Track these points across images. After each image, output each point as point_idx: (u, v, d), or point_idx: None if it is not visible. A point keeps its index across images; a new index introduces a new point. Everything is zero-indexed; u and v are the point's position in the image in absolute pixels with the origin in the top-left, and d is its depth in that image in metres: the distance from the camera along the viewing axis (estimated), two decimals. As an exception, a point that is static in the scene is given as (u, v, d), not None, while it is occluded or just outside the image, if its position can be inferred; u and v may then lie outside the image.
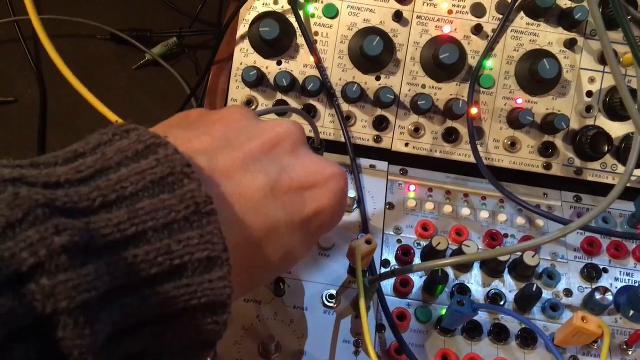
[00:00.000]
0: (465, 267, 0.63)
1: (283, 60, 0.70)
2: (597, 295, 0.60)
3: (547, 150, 0.69)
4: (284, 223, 0.36)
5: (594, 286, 0.62)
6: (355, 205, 0.66)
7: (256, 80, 0.68)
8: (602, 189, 0.70)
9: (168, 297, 0.27)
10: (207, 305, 0.29)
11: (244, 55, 0.70)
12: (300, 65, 0.70)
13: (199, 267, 0.28)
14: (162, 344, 0.29)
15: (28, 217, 0.23)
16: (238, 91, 0.71)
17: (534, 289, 0.58)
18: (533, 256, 0.60)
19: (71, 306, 0.23)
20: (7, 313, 0.22)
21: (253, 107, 0.70)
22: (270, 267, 0.37)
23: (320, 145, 0.64)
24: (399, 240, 0.64)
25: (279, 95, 0.70)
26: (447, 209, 0.67)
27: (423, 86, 0.70)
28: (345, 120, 0.70)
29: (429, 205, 0.67)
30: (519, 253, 0.61)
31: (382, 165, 0.70)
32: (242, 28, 0.70)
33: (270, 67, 0.70)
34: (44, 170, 0.27)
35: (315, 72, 0.70)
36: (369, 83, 0.70)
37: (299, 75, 0.70)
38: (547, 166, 0.70)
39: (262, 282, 0.44)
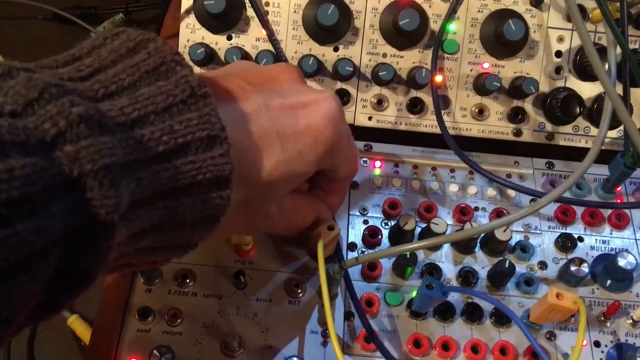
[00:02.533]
0: (435, 247, 0.60)
1: (233, 35, 0.65)
2: (573, 267, 0.57)
3: (516, 116, 0.66)
4: (276, 133, 0.39)
5: (569, 257, 0.60)
6: (318, 187, 0.63)
7: (205, 58, 0.63)
8: (576, 153, 0.68)
9: (177, 173, 0.31)
10: (211, 180, 0.32)
11: (191, 32, 0.65)
12: (253, 40, 0.65)
13: (201, 145, 0.32)
14: (175, 217, 0.32)
15: (44, 94, 0.26)
16: (187, 71, 0.66)
17: (506, 265, 0.56)
18: (504, 231, 0.58)
19: (95, 168, 0.26)
20: (40, 170, 0.24)
21: (204, 87, 0.66)
22: (269, 182, 0.40)
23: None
24: (365, 222, 0.61)
25: (231, 73, 0.66)
26: (415, 184, 0.64)
27: (384, 55, 0.66)
28: (304, 96, 0.66)
29: (396, 182, 0.64)
30: (484, 221, 0.58)
31: (345, 141, 0.66)
32: (187, 1, 0.65)
33: (220, 43, 0.65)
34: (47, 71, 0.30)
35: (268, 46, 0.65)
36: (327, 55, 0.66)
37: (251, 51, 0.65)
38: (518, 133, 0.67)
39: (264, 203, 0.42)
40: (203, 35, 0.65)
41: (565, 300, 0.49)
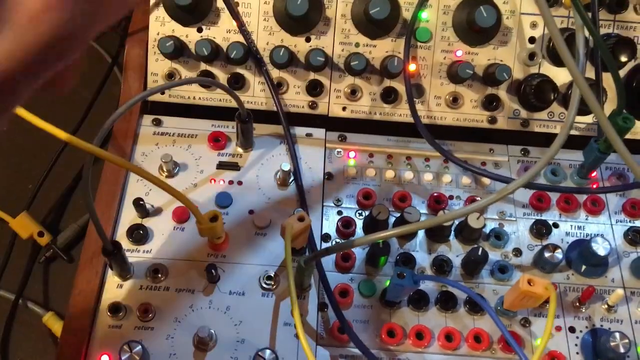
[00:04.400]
0: (409, 236, 0.60)
1: (204, 27, 0.65)
2: (547, 254, 0.57)
3: (491, 103, 0.66)
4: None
5: (544, 243, 0.60)
6: (291, 179, 0.62)
7: (175, 51, 0.63)
8: (553, 140, 0.67)
9: None
10: None
11: (161, 24, 0.65)
12: (223, 32, 0.65)
13: None
14: None
15: None
16: (158, 64, 0.65)
17: (479, 252, 0.55)
18: (478, 218, 0.57)
19: None
20: None
21: (176, 78, 0.65)
22: None
23: (247, 119, 0.59)
24: (339, 212, 0.61)
25: (203, 66, 0.65)
26: (390, 174, 0.63)
27: (357, 45, 0.65)
28: (277, 87, 0.66)
29: (370, 172, 0.64)
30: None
31: (319, 133, 0.66)
32: (156, -6, 0.64)
33: (190, 36, 0.65)
34: None
35: (240, 37, 0.65)
36: (299, 46, 0.65)
37: (222, 43, 0.65)
38: (492, 120, 0.67)
39: None
40: (173, 28, 0.65)
41: (536, 286, 0.49)
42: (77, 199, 0.72)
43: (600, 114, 0.47)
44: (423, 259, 0.59)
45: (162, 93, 0.66)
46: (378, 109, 0.67)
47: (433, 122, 0.67)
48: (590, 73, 0.62)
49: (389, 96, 0.66)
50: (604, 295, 0.58)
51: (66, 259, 0.67)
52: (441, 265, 0.58)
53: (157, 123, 0.65)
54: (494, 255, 0.59)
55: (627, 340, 0.52)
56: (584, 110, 0.65)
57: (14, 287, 0.65)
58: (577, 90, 0.50)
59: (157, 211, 0.60)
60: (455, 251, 0.59)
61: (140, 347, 0.50)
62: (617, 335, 0.53)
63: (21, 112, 0.47)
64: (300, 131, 0.66)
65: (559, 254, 0.57)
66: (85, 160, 0.45)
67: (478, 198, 0.62)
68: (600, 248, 0.56)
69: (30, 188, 0.69)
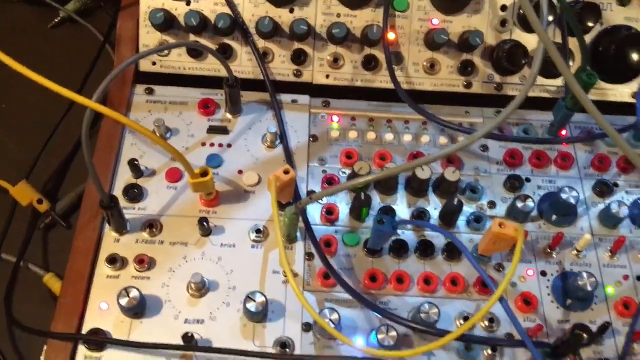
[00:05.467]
0: (389, 190, 0.63)
1: (192, 0, 0.68)
2: (519, 204, 0.61)
3: (466, 68, 0.70)
4: None
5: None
6: (278, 141, 0.66)
7: (164, 22, 0.66)
8: (526, 102, 0.71)
9: None
10: None
11: (152, -1, 0.68)
12: (211, 4, 0.68)
13: None
14: None
15: None
16: (149, 36, 0.69)
17: (455, 202, 0.59)
18: (453, 172, 0.61)
19: None
20: None
21: (166, 52, 0.69)
22: None
23: (234, 83, 0.63)
24: (324, 171, 0.64)
25: (192, 37, 0.69)
26: (371, 135, 0.67)
27: (338, 15, 0.69)
28: (263, 56, 0.69)
29: (353, 134, 0.67)
30: (440, 170, 0.62)
31: (304, 99, 0.69)
32: (147, -30, 0.68)
33: (179, 8, 0.68)
34: None
35: (226, 9, 0.68)
36: (283, 16, 0.69)
37: (210, 14, 0.68)
38: (468, 85, 0.70)
39: None
40: (163, 1, 0.68)
41: (507, 228, 0.53)
42: (75, 168, 0.74)
43: (562, 66, 0.50)
44: (403, 212, 0.62)
45: (154, 64, 0.69)
46: (360, 76, 0.70)
47: (412, 87, 0.70)
48: (559, 39, 0.67)
49: (369, 63, 0.70)
50: (574, 242, 0.61)
51: (65, 225, 0.70)
52: (419, 217, 0.61)
53: (150, 92, 0.68)
54: (470, 208, 0.63)
55: (593, 279, 0.56)
56: (552, 72, 0.69)
57: (14, 252, 0.68)
58: (541, 45, 0.54)
59: (151, 173, 0.63)
60: (433, 204, 0.63)
61: (137, 291, 0.53)
62: (585, 274, 0.56)
63: (26, 71, 0.49)
64: (286, 98, 0.69)
65: (530, 203, 0.61)
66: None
67: (454, 155, 0.65)
68: (569, 197, 0.60)
69: (30, 157, 0.72)
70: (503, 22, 0.69)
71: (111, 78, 0.51)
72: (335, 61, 0.70)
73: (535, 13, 0.48)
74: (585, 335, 0.48)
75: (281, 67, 0.70)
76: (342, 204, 0.62)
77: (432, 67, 0.70)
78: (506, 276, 0.48)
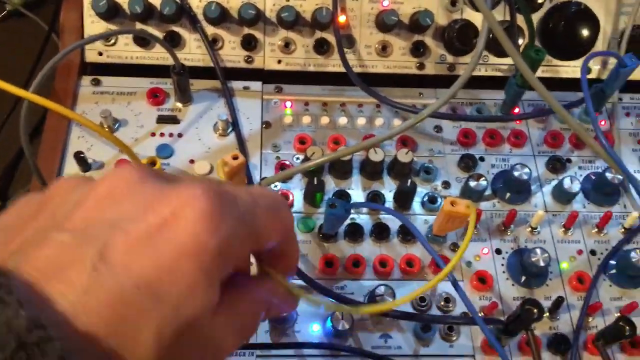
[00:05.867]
0: (344, 174, 0.63)
1: (137, -12, 0.67)
2: (472, 183, 0.61)
3: (418, 50, 0.69)
4: (136, 289, 0.26)
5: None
6: (230, 129, 0.65)
7: (108, 11, 0.64)
8: (478, 82, 0.71)
9: None
10: None
11: (95, -13, 0.66)
12: (157, -9, 0.67)
13: None
14: None
15: None
16: (94, 26, 0.67)
17: (408, 183, 0.59)
18: (406, 153, 0.61)
19: None
20: None
21: (112, 42, 0.67)
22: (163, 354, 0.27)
23: (182, 70, 0.62)
24: (277, 158, 0.64)
25: (139, 26, 0.67)
26: (324, 120, 0.66)
27: (288, -1, 0.68)
28: (212, 43, 0.68)
29: (306, 119, 0.66)
30: (394, 152, 0.62)
31: (256, 85, 0.68)
32: (87, -42, 0.66)
33: (124, -3, 0.66)
34: None
35: (173, -4, 0.67)
36: (232, 2, 0.67)
37: (156, 1, 0.66)
38: (421, 66, 0.70)
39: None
40: (107, -10, 0.66)
41: (459, 206, 0.52)
42: (25, 167, 0.72)
43: (507, 44, 0.50)
44: (358, 196, 0.62)
45: (100, 54, 0.67)
46: (312, 61, 0.69)
47: (365, 70, 0.70)
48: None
49: (321, 47, 0.69)
50: (528, 219, 0.62)
51: (15, 223, 0.68)
52: (375, 200, 0.61)
53: (96, 83, 0.66)
54: (425, 189, 0.62)
55: (547, 255, 0.56)
56: (503, 51, 0.69)
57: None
58: (486, 23, 0.54)
59: (100, 165, 0.61)
60: (388, 187, 0.63)
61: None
62: (538, 250, 0.56)
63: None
64: (237, 85, 0.68)
65: (483, 182, 0.61)
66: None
67: (408, 137, 0.65)
68: (521, 174, 0.60)
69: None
70: (453, 2, 0.69)
71: (48, 68, 0.50)
72: (287, 46, 0.69)
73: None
74: (535, 310, 0.48)
75: (232, 53, 0.69)
76: (297, 190, 0.61)
77: (384, 50, 0.69)
78: (458, 251, 0.47)
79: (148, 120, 0.64)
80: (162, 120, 0.64)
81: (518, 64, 0.52)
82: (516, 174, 0.60)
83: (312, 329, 0.54)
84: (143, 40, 0.67)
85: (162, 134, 0.64)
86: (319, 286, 0.54)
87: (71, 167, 0.60)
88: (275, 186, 0.61)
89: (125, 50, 0.68)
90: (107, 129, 0.63)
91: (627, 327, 0.51)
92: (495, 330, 0.51)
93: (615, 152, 0.57)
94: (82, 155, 0.59)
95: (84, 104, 0.65)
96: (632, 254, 0.57)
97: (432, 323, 0.53)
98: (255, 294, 0.34)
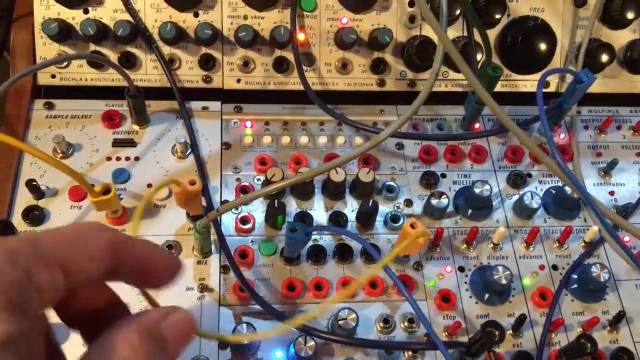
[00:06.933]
0: (305, 195, 0.62)
1: (90, 9, 0.65)
2: (434, 201, 0.61)
3: (378, 67, 0.69)
4: None
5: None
6: (189, 151, 0.63)
7: (60, 33, 0.63)
8: (438, 98, 0.71)
9: None
10: None
11: (45, 8, 0.64)
12: (110, 11, 0.65)
13: None
14: None
15: None
16: (46, 48, 0.65)
17: (369, 204, 0.58)
18: (367, 173, 0.60)
19: None
20: None
21: (65, 64, 0.65)
22: None
23: (136, 93, 0.60)
24: (238, 179, 0.63)
25: (93, 47, 0.66)
26: (286, 139, 0.66)
27: (245, 17, 0.67)
28: (169, 63, 0.67)
29: (267, 139, 0.65)
30: (356, 170, 0.61)
31: (215, 105, 0.67)
32: (37, -22, 0.64)
33: (77, 18, 0.65)
34: None
35: (127, 16, 0.65)
36: (188, 21, 0.66)
37: (109, 22, 0.65)
38: (381, 83, 0.70)
39: None
40: (59, 11, 0.65)
41: (417, 228, 0.52)
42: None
43: (460, 63, 0.50)
44: (320, 217, 0.61)
45: (53, 77, 0.66)
46: (272, 79, 0.69)
47: (326, 88, 0.69)
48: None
49: (281, 65, 0.68)
50: (490, 235, 0.62)
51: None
52: (337, 221, 0.60)
53: (49, 106, 0.65)
54: (387, 208, 0.62)
55: (508, 272, 0.56)
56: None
57: None
58: (441, 45, 0.54)
59: (54, 193, 0.60)
60: (350, 207, 0.62)
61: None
62: (500, 268, 0.56)
63: None
64: (196, 105, 0.67)
65: (444, 200, 0.61)
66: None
67: (371, 155, 0.65)
68: (482, 191, 0.60)
69: None
70: (412, 18, 0.69)
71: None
72: (246, 65, 0.68)
73: (433, 15, 0.48)
74: (496, 332, 0.48)
75: (189, 73, 0.67)
76: (258, 212, 0.61)
77: (344, 67, 0.69)
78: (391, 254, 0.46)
79: (103, 144, 0.63)
80: (118, 143, 0.63)
81: (473, 84, 0.52)
82: (477, 190, 0.60)
83: (275, 356, 0.53)
84: (97, 62, 0.65)
85: (118, 158, 0.62)
86: (276, 313, 0.53)
87: (25, 194, 0.59)
88: (236, 209, 0.60)
89: (79, 72, 0.66)
90: (60, 155, 0.61)
91: (589, 344, 0.52)
92: (457, 353, 0.51)
93: (569, 169, 0.57)
94: (34, 183, 0.57)
95: (37, 128, 0.63)
96: (593, 269, 0.58)
97: (392, 349, 0.53)
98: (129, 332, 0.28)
